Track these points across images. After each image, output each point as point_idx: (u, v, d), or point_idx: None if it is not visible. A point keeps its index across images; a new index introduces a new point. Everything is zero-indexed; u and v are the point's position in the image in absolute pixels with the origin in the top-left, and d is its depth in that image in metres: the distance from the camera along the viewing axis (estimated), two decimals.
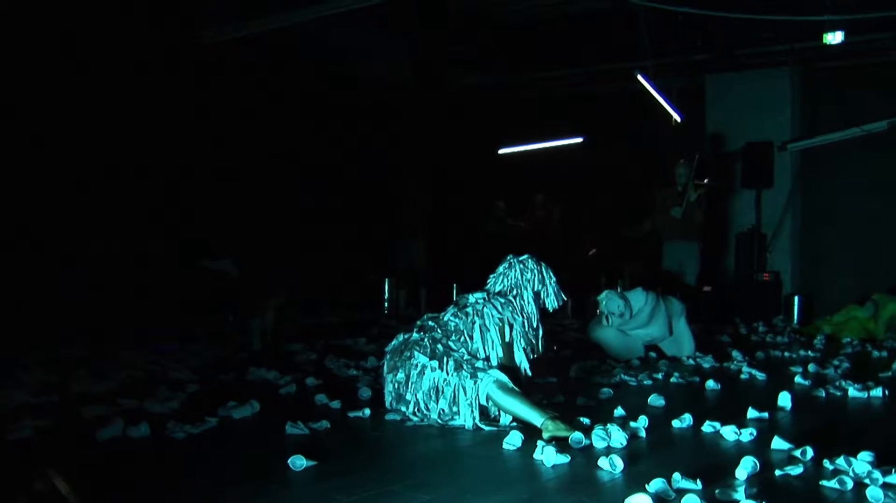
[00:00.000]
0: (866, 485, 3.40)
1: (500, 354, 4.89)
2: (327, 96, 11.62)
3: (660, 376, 6.42)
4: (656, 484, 3.34)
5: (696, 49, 10.52)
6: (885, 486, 3.39)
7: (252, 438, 4.42)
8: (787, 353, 7.78)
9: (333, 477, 3.58)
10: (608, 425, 4.33)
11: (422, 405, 4.67)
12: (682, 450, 4.24)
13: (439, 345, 4.78)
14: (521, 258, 5.30)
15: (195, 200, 9.69)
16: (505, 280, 5.21)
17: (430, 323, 5.05)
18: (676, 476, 3.43)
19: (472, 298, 5.11)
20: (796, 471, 3.66)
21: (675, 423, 4.65)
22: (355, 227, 12.02)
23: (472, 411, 4.53)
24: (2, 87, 8.00)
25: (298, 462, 3.67)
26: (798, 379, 6.21)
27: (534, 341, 5.06)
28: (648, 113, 10.96)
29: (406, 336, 5.00)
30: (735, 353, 7.44)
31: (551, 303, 5.22)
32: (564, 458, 3.82)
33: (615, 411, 4.87)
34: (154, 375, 6.08)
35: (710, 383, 5.98)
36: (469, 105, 12.93)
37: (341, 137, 11.90)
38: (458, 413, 4.57)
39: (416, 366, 4.70)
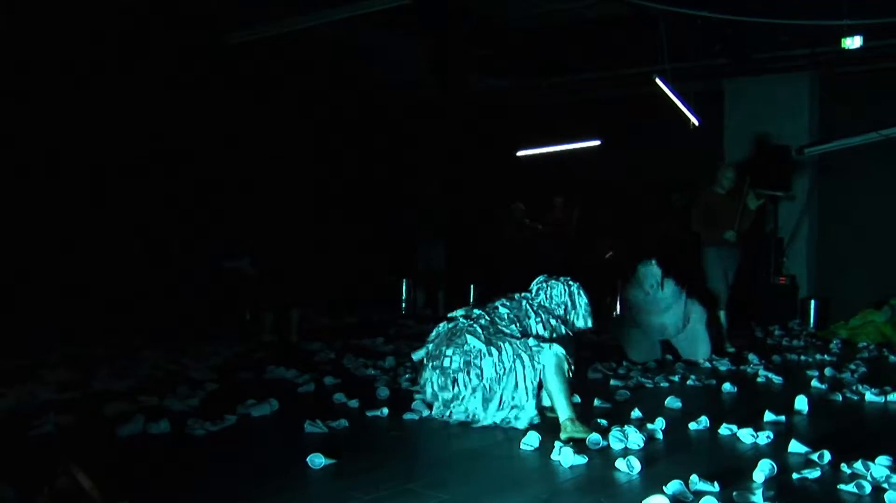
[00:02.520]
0: (885, 489, 3.41)
1: (558, 334, 5.03)
2: (348, 98, 11.66)
3: (676, 379, 6.42)
4: (674, 485, 3.36)
5: (714, 53, 10.48)
6: None
7: (271, 436, 4.46)
8: (803, 357, 7.75)
9: (352, 475, 3.62)
10: (625, 427, 4.35)
11: (483, 391, 4.65)
12: (699, 452, 4.25)
13: (490, 330, 4.84)
14: (552, 280, 5.42)
15: (215, 201, 9.74)
16: (537, 299, 5.31)
17: (475, 311, 5.08)
18: (694, 478, 3.45)
19: (517, 295, 5.26)
20: (814, 474, 3.68)
21: (692, 426, 4.66)
22: (374, 227, 12.06)
23: (532, 393, 4.59)
24: (29, 91, 8.09)
25: (317, 460, 3.71)
26: (814, 383, 6.19)
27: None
28: (667, 116, 10.94)
29: (451, 325, 5.01)
30: (751, 357, 7.43)
31: (581, 324, 5.36)
32: (582, 459, 3.84)
33: (632, 413, 4.88)
34: (174, 373, 6.14)
35: (727, 386, 5.98)
36: (488, 107, 12.94)
37: (361, 138, 11.94)
38: (515, 405, 4.60)
39: (471, 351, 4.71)
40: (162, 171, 9.23)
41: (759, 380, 6.49)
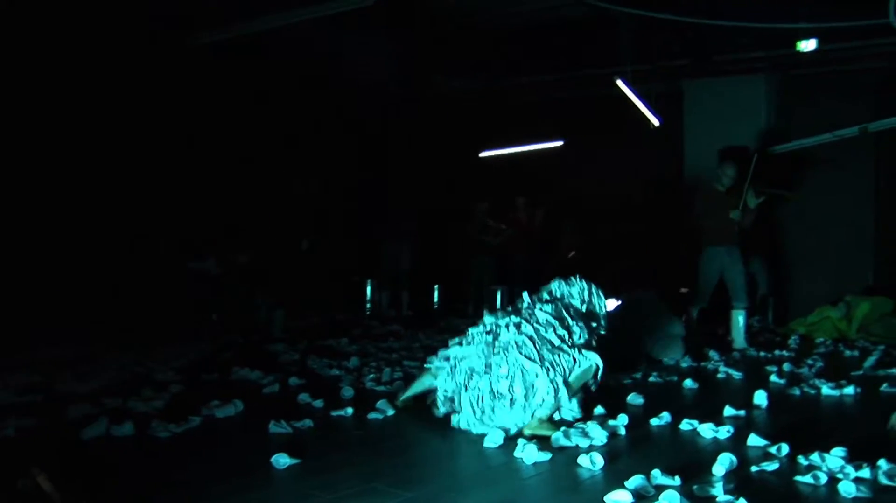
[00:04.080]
0: (839, 480, 3.50)
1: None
2: (313, 98, 11.63)
3: (638, 375, 6.51)
4: (636, 480, 3.41)
5: (674, 55, 10.62)
6: (857, 481, 3.49)
7: (235, 437, 4.45)
8: (762, 353, 7.89)
9: (316, 474, 3.63)
10: (588, 423, 4.40)
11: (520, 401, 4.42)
12: (660, 447, 4.31)
13: (538, 343, 4.62)
14: (572, 281, 5.28)
15: (181, 201, 9.67)
16: (572, 301, 5.18)
17: (514, 319, 4.84)
18: (655, 472, 3.50)
19: (546, 295, 5.14)
20: (772, 467, 3.76)
21: (654, 421, 4.73)
22: (338, 227, 12.04)
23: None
24: None
25: (281, 460, 3.72)
26: (773, 378, 6.31)
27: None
28: (628, 117, 11.06)
29: (486, 331, 4.80)
30: (712, 353, 7.54)
31: (602, 330, 5.18)
32: (545, 456, 3.88)
33: (595, 409, 4.92)
34: (139, 375, 6.09)
35: (688, 382, 6.07)
36: (453, 108, 12.97)
37: (325, 139, 11.91)
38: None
39: (522, 369, 4.48)
40: (127, 170, 9.14)
41: (719, 376, 6.59)
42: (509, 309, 5.14)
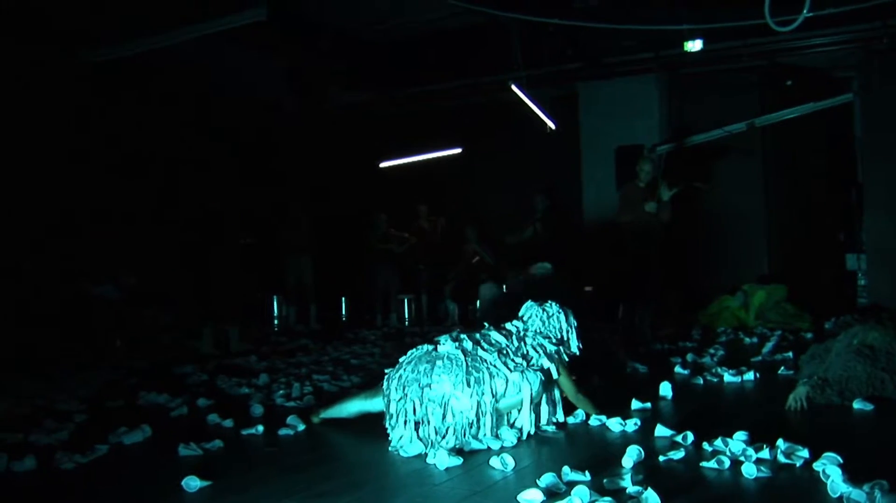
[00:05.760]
0: (741, 463, 3.62)
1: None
2: (211, 115, 11.46)
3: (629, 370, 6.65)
4: (547, 478, 3.47)
5: (567, 58, 10.82)
6: (758, 462, 3.63)
7: (144, 463, 4.35)
8: (666, 345, 8.09)
9: (228, 494, 3.58)
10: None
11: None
12: (571, 444, 4.40)
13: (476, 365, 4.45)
14: (543, 304, 5.11)
15: (76, 224, 9.41)
16: (532, 326, 5.01)
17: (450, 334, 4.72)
18: (566, 469, 3.57)
19: (510, 325, 4.99)
20: (678, 455, 3.87)
21: (570, 419, 4.80)
22: (242, 244, 11.87)
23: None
24: None
25: (192, 483, 3.65)
26: (678, 369, 6.49)
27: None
28: (524, 121, 11.22)
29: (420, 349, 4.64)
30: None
31: (574, 349, 5.04)
32: (457, 460, 3.91)
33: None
34: (40, 407, 5.87)
35: (595, 379, 6.17)
36: (350, 120, 12.95)
37: (224, 155, 11.75)
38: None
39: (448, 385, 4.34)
40: (15, 191, 8.84)
41: (626, 370, 6.73)
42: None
